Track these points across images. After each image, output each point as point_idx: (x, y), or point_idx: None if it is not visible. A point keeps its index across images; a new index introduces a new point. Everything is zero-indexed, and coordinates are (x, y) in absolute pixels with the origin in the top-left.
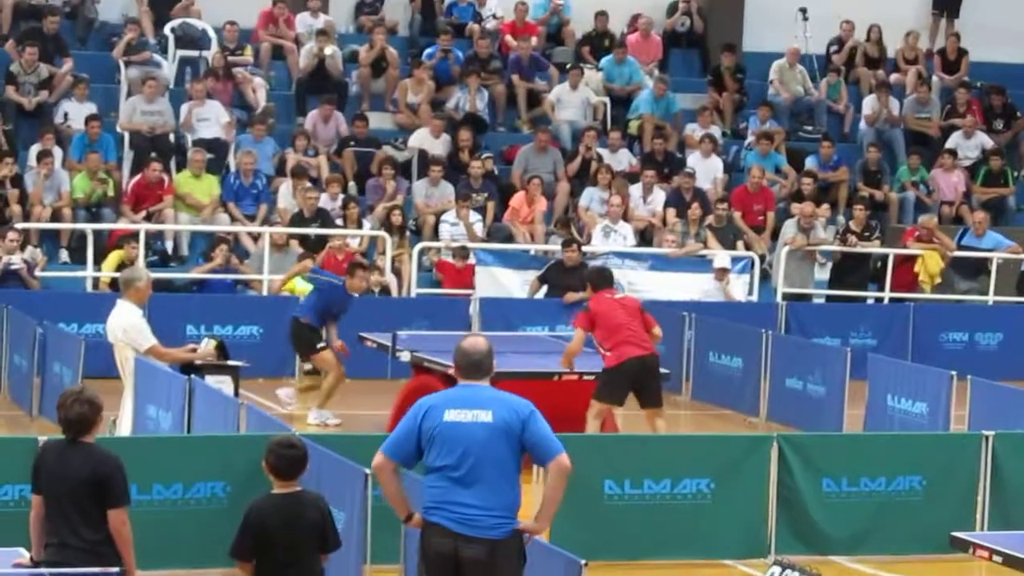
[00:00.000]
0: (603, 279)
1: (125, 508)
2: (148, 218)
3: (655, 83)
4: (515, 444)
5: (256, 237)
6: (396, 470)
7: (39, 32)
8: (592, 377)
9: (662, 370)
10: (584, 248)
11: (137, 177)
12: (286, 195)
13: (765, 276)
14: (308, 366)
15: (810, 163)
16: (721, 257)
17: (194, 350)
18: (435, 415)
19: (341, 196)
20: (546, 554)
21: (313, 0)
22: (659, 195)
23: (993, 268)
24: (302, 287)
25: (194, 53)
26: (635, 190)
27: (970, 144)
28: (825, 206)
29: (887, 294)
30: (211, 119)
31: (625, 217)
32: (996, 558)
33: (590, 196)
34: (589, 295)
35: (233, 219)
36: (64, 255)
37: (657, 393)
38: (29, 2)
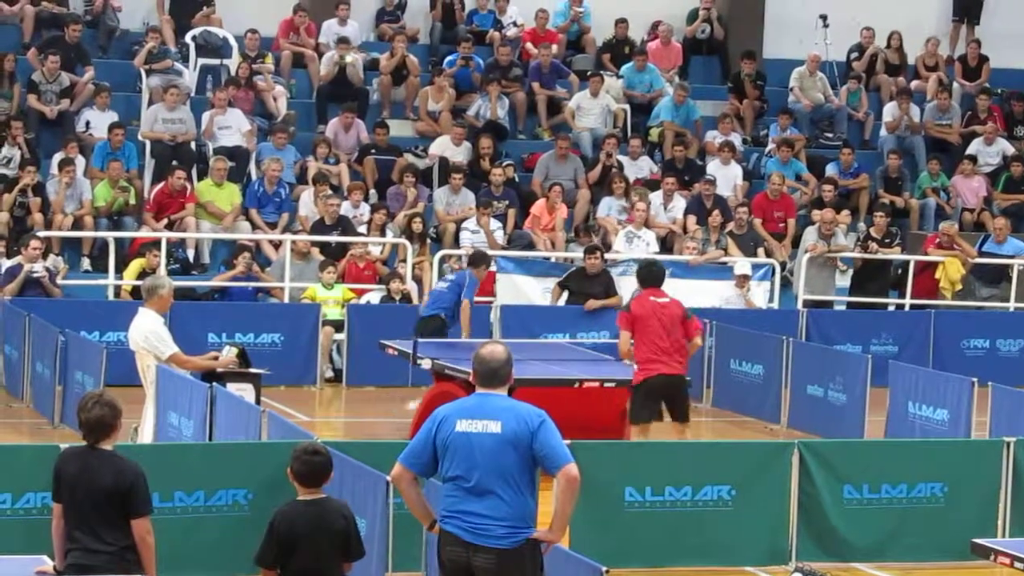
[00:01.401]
0: (651, 276)
1: (148, 516)
2: (170, 226)
3: (675, 90)
4: (526, 454)
5: (277, 245)
6: (414, 480)
7: (61, 41)
8: (613, 384)
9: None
10: (606, 255)
11: (160, 185)
12: (307, 203)
13: (786, 283)
14: (330, 373)
15: (830, 170)
16: (742, 264)
17: (216, 358)
18: (448, 425)
19: (363, 203)
20: (567, 561)
21: (341, 9)
22: (679, 202)
23: (1014, 275)
24: (323, 295)
25: (215, 61)
26: (655, 197)
27: (991, 151)
28: (845, 212)
29: (908, 301)
30: (232, 127)
31: (646, 224)
32: (1018, 565)
33: (608, 205)
34: (615, 302)
35: (255, 227)
36: (86, 263)
37: (684, 409)
38: (51, 11)
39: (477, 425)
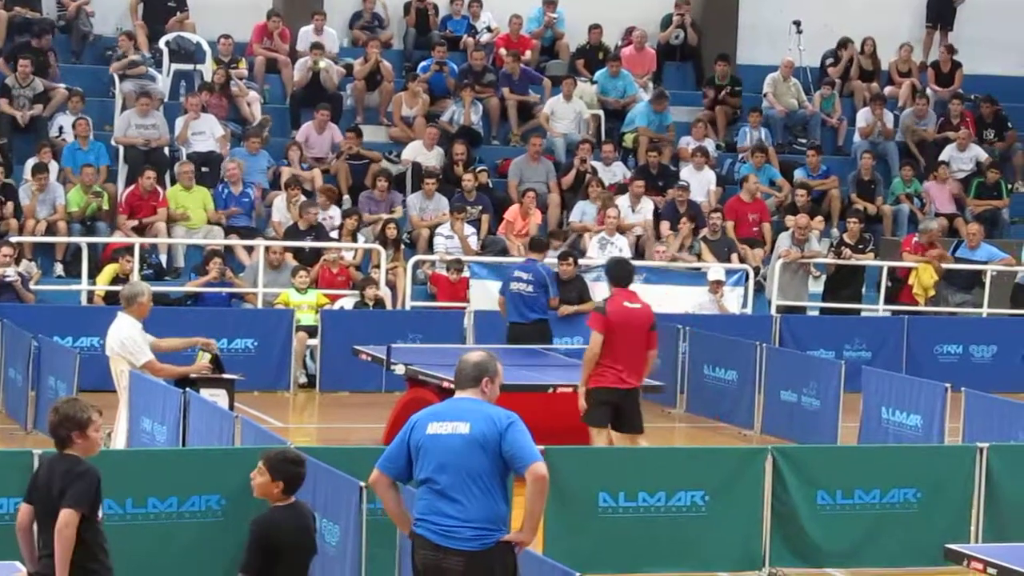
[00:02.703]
0: (625, 274)
1: (73, 510)
2: (142, 231)
3: (655, 98)
4: (495, 456)
5: (251, 250)
6: (392, 484)
7: (32, 46)
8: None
9: (656, 383)
10: (579, 260)
11: (131, 187)
12: (281, 208)
13: (759, 289)
14: (303, 378)
15: (799, 175)
16: (715, 270)
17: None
18: (420, 428)
19: (333, 208)
20: (540, 566)
21: (316, 18)
22: (647, 205)
23: (987, 280)
24: (296, 300)
25: (188, 67)
26: (623, 200)
27: (964, 156)
28: (819, 219)
29: (880, 306)
30: (206, 133)
31: (618, 230)
32: (991, 571)
33: (582, 210)
34: (588, 307)
35: (227, 233)
36: (59, 268)
37: (638, 421)
38: (24, 16)
39: (447, 427)
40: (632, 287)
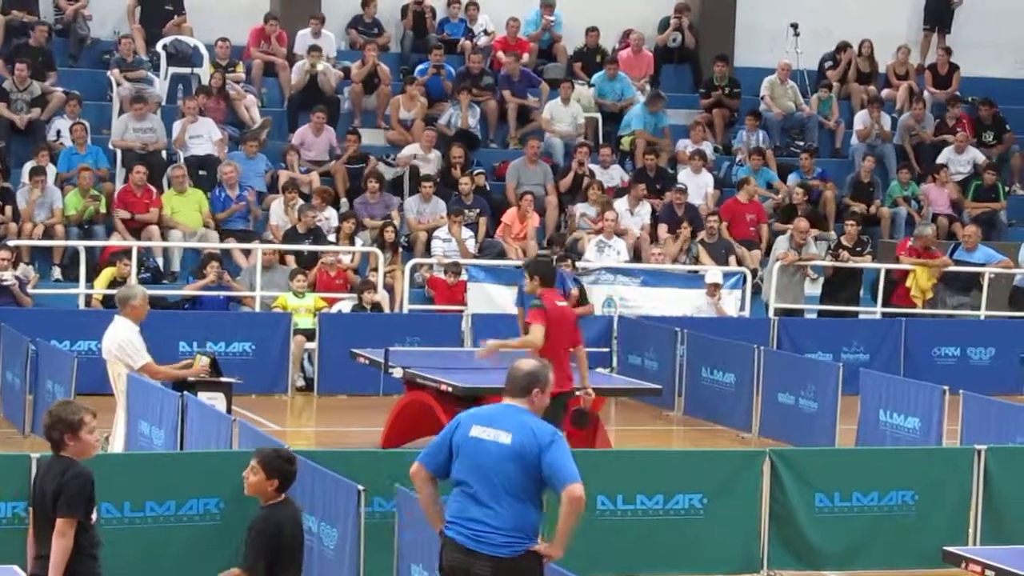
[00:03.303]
0: (554, 274)
1: (68, 518)
2: (138, 232)
3: (650, 99)
4: (532, 470)
5: (248, 253)
6: (431, 479)
7: (28, 48)
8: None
9: (654, 386)
10: (577, 264)
11: (124, 185)
12: (278, 211)
13: (757, 291)
14: (301, 382)
15: (793, 178)
16: (713, 273)
17: (188, 366)
18: (464, 428)
19: (329, 208)
20: None
21: (312, 22)
22: (646, 208)
23: (985, 283)
24: (294, 303)
25: (186, 70)
26: (621, 203)
27: (962, 159)
28: (806, 224)
29: (878, 309)
30: (203, 136)
31: (616, 233)
32: (989, 573)
33: (579, 210)
34: (586, 310)
35: (223, 236)
36: (56, 272)
37: (555, 419)
38: (21, 19)
39: (489, 433)
40: (624, 293)
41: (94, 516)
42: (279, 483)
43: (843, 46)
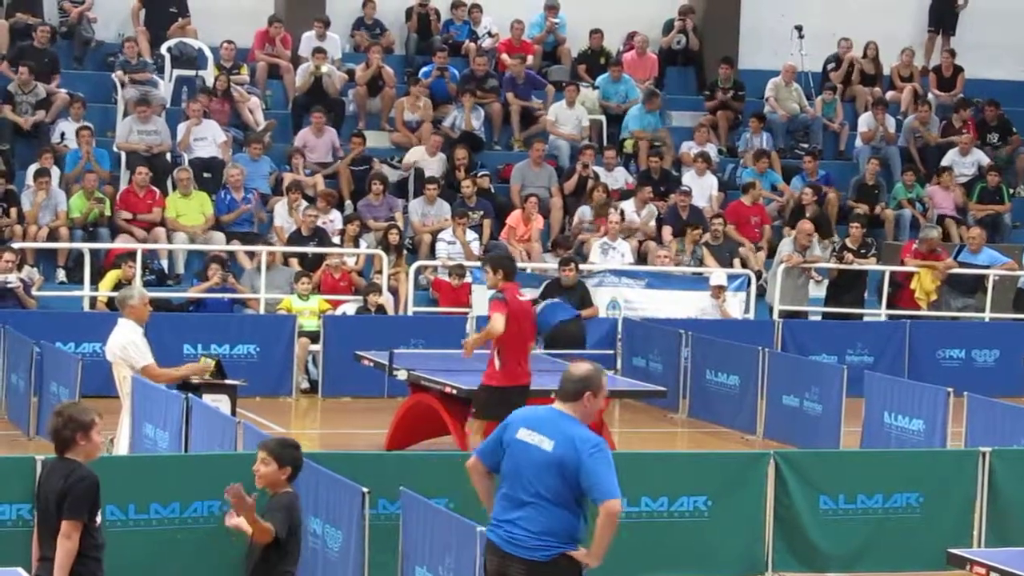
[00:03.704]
0: (515, 268)
1: (74, 521)
2: (143, 236)
3: (646, 98)
4: (571, 479)
5: (252, 255)
6: (487, 474)
7: (32, 50)
8: None
9: (659, 388)
10: (581, 266)
11: (126, 186)
12: (282, 213)
13: (761, 294)
14: (305, 384)
15: (796, 181)
16: (717, 275)
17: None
18: (512, 429)
19: (333, 211)
20: None
21: (316, 24)
22: (651, 211)
23: (989, 285)
24: (298, 306)
25: (190, 72)
26: (629, 204)
27: (966, 161)
28: (808, 227)
29: (883, 311)
30: (208, 138)
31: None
32: (994, 575)
33: (582, 214)
34: (591, 313)
35: (229, 238)
36: (61, 274)
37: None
38: (26, 22)
39: (534, 438)
40: (629, 296)
41: (98, 519)
42: (291, 471)
43: (846, 46)
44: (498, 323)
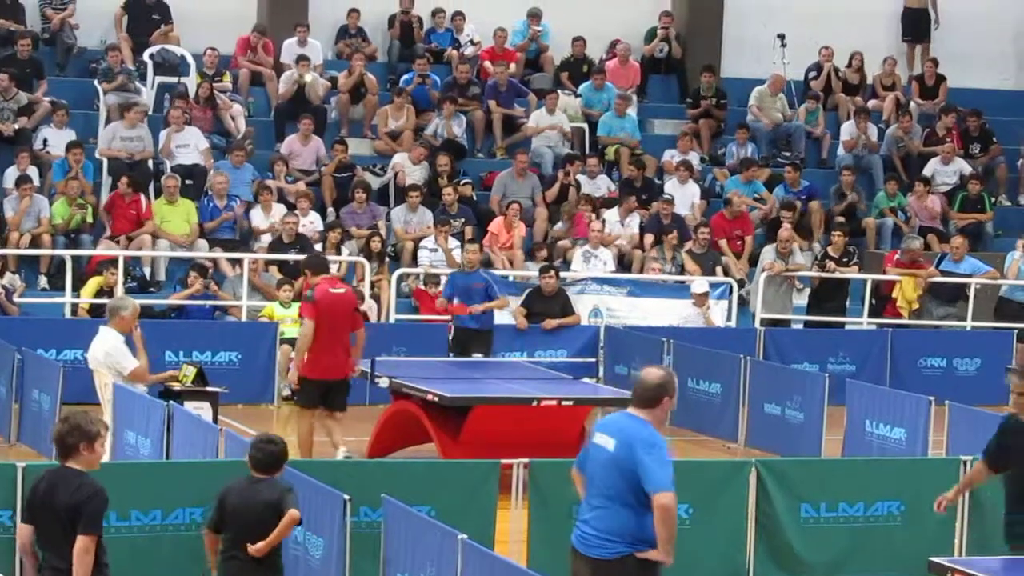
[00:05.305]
0: (321, 263)
1: (92, 536)
2: (129, 241)
3: (615, 101)
4: (631, 476)
5: (235, 263)
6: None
7: (14, 58)
8: (571, 402)
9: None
10: (564, 274)
11: (111, 193)
12: (259, 215)
13: (743, 302)
14: (287, 391)
15: (779, 192)
16: (699, 283)
17: (174, 376)
18: (593, 433)
19: (312, 213)
20: None
21: (299, 30)
22: (635, 219)
23: (971, 294)
24: (281, 313)
25: (173, 79)
26: (612, 214)
27: (948, 170)
28: (788, 233)
29: (864, 320)
30: (190, 146)
31: (602, 243)
32: None
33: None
34: (572, 320)
35: (212, 246)
36: (43, 281)
37: (342, 401)
38: (8, 28)
39: (603, 439)
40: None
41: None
42: (250, 463)
43: (827, 54)
44: (305, 329)
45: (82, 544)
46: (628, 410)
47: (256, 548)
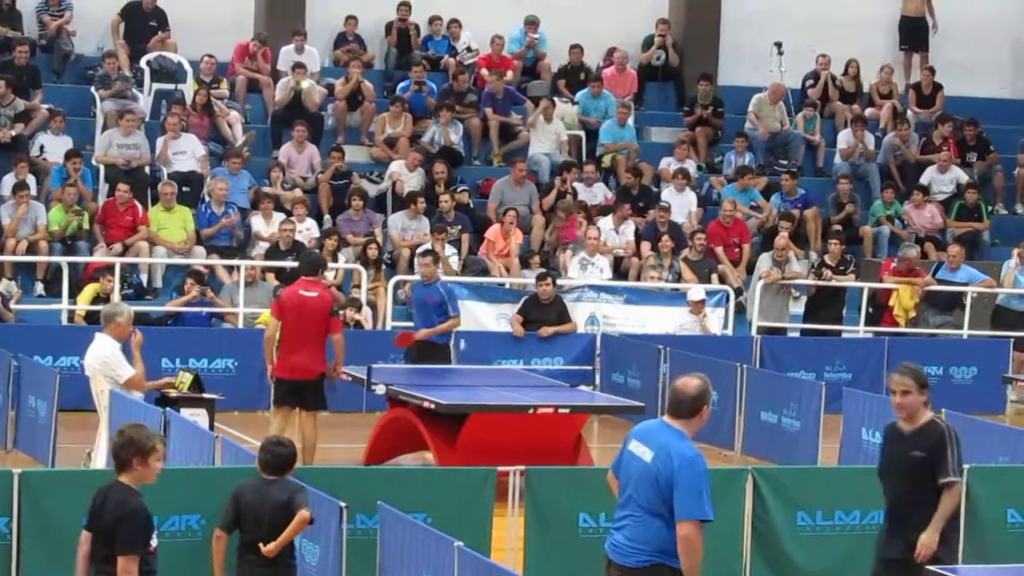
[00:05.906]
0: (307, 265)
1: (129, 556)
2: (125, 249)
3: (618, 111)
4: (666, 491)
5: (231, 270)
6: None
7: (11, 65)
8: (568, 410)
9: (637, 403)
10: (560, 281)
11: (108, 200)
12: (259, 221)
13: (740, 310)
14: None
15: (775, 200)
16: (696, 290)
17: (171, 383)
18: (628, 440)
19: (308, 220)
20: None
21: (296, 38)
22: (630, 227)
23: (968, 302)
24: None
25: (170, 86)
26: (607, 222)
27: (945, 178)
28: (784, 241)
29: (861, 328)
30: (187, 152)
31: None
32: None
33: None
34: (569, 328)
35: (209, 252)
36: (39, 288)
37: (316, 401)
38: (4, 35)
39: (640, 449)
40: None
41: (154, 542)
42: (259, 465)
43: (824, 63)
44: (269, 329)
45: (121, 564)
46: (665, 419)
47: (268, 549)
